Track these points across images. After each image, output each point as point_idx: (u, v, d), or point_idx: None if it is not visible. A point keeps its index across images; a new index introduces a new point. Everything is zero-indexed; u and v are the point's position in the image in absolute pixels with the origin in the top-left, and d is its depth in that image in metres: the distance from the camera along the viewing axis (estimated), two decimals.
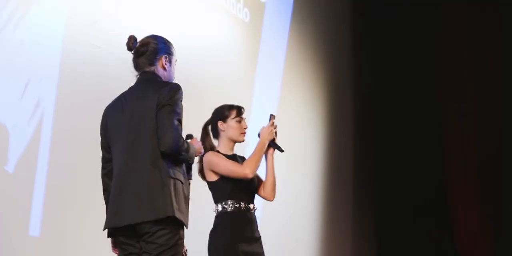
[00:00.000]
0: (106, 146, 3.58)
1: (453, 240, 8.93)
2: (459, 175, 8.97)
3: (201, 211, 4.44)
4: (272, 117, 4.24)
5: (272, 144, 4.22)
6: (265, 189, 4.24)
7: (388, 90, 9.47)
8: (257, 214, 4.27)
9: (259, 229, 4.21)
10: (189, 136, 3.82)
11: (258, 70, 7.10)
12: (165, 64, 3.61)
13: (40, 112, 4.46)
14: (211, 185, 4.14)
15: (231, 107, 4.24)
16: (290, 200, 7.46)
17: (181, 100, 3.48)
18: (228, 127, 4.19)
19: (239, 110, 4.24)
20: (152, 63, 3.60)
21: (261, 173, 4.24)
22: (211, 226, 4.13)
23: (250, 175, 4.05)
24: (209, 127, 4.27)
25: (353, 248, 8.96)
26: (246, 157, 4.20)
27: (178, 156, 3.39)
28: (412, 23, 9.34)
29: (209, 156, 4.11)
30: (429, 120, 9.20)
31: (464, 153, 9.00)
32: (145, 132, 3.42)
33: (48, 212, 4.45)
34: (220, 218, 4.08)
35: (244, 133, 4.22)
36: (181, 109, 3.47)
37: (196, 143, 3.66)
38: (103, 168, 3.60)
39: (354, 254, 8.96)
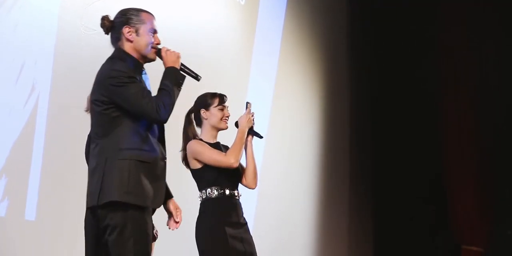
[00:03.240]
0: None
1: (451, 225, 8.95)
2: (456, 162, 8.99)
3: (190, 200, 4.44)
4: (248, 105, 4.27)
5: (251, 132, 4.24)
6: (246, 177, 4.25)
7: (385, 86, 9.46)
8: (252, 209, 4.28)
9: (254, 220, 4.22)
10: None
11: (255, 52, 7.08)
12: (129, 36, 3.47)
13: (36, 96, 4.44)
14: (195, 173, 4.15)
15: (213, 95, 4.26)
16: (286, 195, 7.48)
17: (119, 76, 3.34)
18: (211, 115, 4.20)
19: (221, 98, 4.24)
20: (118, 38, 3.50)
21: (242, 161, 4.24)
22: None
23: (235, 164, 4.08)
24: (192, 115, 4.28)
25: (350, 241, 8.98)
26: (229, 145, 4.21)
27: (165, 113, 3.35)
28: (411, 19, 9.31)
29: (193, 145, 4.12)
30: (427, 114, 9.20)
31: (461, 144, 9.02)
32: (95, 119, 3.42)
33: (44, 196, 4.44)
34: (205, 204, 4.10)
35: (226, 120, 4.23)
36: (127, 80, 3.35)
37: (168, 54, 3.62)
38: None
39: (351, 247, 8.98)
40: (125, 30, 3.48)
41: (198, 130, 4.27)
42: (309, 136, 8.18)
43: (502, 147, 8.83)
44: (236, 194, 4.18)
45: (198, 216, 4.13)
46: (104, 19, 3.51)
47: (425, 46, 9.21)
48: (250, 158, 4.25)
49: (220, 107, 4.22)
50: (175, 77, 3.50)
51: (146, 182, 3.31)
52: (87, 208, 3.38)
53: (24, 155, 4.37)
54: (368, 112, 9.62)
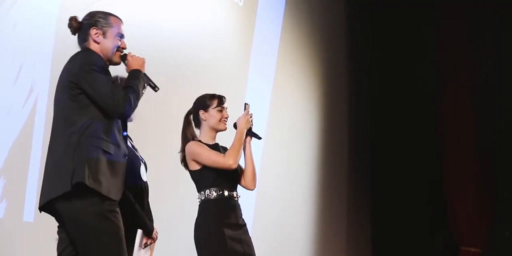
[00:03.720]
0: None
1: (449, 225, 8.95)
2: (455, 163, 8.98)
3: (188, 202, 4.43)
4: (246, 106, 4.25)
5: (249, 133, 4.23)
6: (245, 179, 4.25)
7: (384, 87, 9.46)
8: (250, 210, 4.27)
9: (253, 221, 4.21)
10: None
11: (253, 53, 7.08)
12: (96, 37, 3.52)
13: (34, 97, 4.43)
14: (193, 174, 4.14)
15: (212, 97, 4.25)
16: (284, 196, 7.47)
17: (91, 64, 3.38)
18: (210, 116, 4.20)
19: (220, 100, 4.24)
20: (85, 38, 3.54)
21: (241, 162, 4.24)
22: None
23: (234, 166, 4.07)
24: (191, 117, 4.27)
25: (348, 243, 8.97)
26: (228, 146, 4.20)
27: (127, 109, 3.36)
28: (410, 20, 9.31)
29: (192, 146, 4.11)
30: (426, 115, 9.20)
31: (460, 142, 9.01)
32: (59, 109, 3.42)
33: None
34: (204, 206, 4.09)
35: (225, 122, 4.22)
36: (100, 76, 3.38)
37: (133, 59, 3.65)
38: None
39: (350, 248, 8.97)
40: (93, 31, 3.53)
41: (197, 131, 4.26)
42: (307, 138, 8.17)
43: (501, 148, 8.83)
44: (235, 195, 4.17)
45: (197, 217, 4.12)
46: (72, 19, 3.55)
47: (424, 47, 9.21)
48: (249, 159, 4.25)
49: (218, 108, 4.21)
50: (140, 78, 3.53)
51: (107, 173, 3.32)
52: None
53: (22, 156, 4.36)
54: (367, 114, 9.62)
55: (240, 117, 4.22)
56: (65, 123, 3.36)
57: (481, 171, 8.87)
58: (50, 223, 4.51)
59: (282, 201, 7.44)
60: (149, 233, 3.85)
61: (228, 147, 4.21)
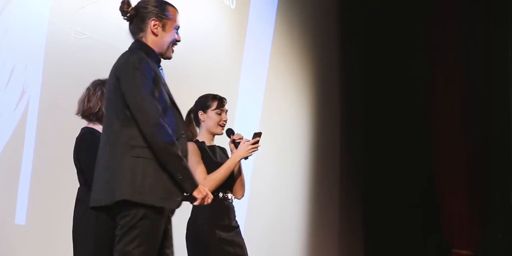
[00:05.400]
0: None
1: (441, 228, 8.96)
2: (447, 164, 8.99)
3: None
4: (256, 135, 4.16)
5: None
6: (234, 188, 4.21)
7: (376, 88, 9.46)
8: (243, 212, 4.28)
9: (245, 223, 4.21)
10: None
11: (245, 55, 7.08)
12: (155, 29, 3.35)
13: (26, 100, 4.43)
14: None
15: (213, 98, 4.22)
16: (276, 198, 7.48)
17: (140, 70, 3.21)
18: (208, 118, 4.17)
19: (220, 102, 4.20)
20: (142, 29, 3.36)
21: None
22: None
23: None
24: (192, 115, 4.25)
25: (341, 245, 8.97)
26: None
27: (159, 149, 3.15)
28: (402, 17, 9.32)
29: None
30: (418, 117, 9.20)
31: (452, 143, 9.02)
32: (110, 109, 3.27)
33: (34, 200, 4.43)
34: (197, 207, 4.07)
35: (223, 125, 4.20)
36: (146, 80, 3.20)
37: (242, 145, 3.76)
38: None
39: (342, 250, 8.98)
40: (152, 23, 3.35)
41: (198, 129, 4.25)
42: (300, 140, 8.18)
43: (493, 151, 8.85)
44: (229, 197, 4.16)
45: (190, 217, 4.12)
46: (125, 3, 3.37)
47: (416, 47, 9.22)
48: (238, 171, 4.20)
49: (217, 111, 4.18)
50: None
51: (159, 182, 3.18)
52: (96, 207, 3.29)
53: (14, 159, 4.36)
54: (359, 116, 9.63)
55: (245, 143, 4.13)
56: (112, 125, 3.25)
57: (472, 173, 8.88)
58: (41, 226, 4.52)
59: (275, 203, 7.45)
60: None
61: (226, 150, 4.20)
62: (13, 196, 4.34)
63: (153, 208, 3.16)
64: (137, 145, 3.17)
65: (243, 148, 4.12)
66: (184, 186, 3.21)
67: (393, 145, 9.20)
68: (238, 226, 4.20)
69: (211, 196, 3.29)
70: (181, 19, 3.46)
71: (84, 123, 3.96)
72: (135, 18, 3.37)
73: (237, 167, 4.18)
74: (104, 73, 3.88)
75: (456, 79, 9.10)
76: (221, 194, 4.12)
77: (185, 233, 4.11)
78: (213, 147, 4.21)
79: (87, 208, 3.74)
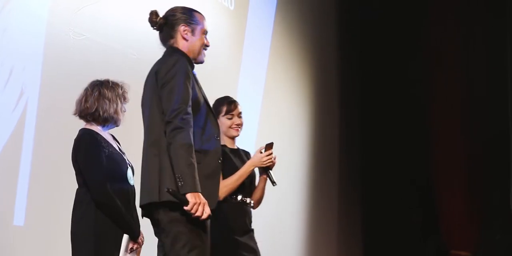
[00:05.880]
0: None
1: (439, 229, 8.96)
2: (446, 165, 8.99)
3: None
4: (267, 147, 4.22)
5: (267, 172, 4.24)
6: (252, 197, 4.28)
7: (374, 90, 9.46)
8: None
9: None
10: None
11: (244, 58, 7.09)
12: (185, 34, 3.48)
13: (24, 101, 4.43)
14: None
15: (222, 104, 4.27)
16: (275, 198, 7.46)
17: (182, 74, 3.32)
18: (221, 123, 4.20)
19: (228, 107, 4.25)
20: (172, 35, 3.50)
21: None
22: None
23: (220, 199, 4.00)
24: None
25: (339, 246, 8.97)
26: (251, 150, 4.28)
27: (171, 143, 3.21)
28: (400, 18, 9.32)
29: None
30: (416, 119, 9.20)
31: (451, 145, 9.01)
32: (150, 110, 3.36)
33: (32, 201, 4.43)
34: (216, 208, 4.10)
35: (236, 128, 4.24)
36: (183, 81, 3.31)
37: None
38: None
39: (341, 251, 8.97)
40: (181, 28, 3.48)
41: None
42: (298, 140, 8.18)
43: (492, 152, 8.85)
44: (248, 201, 4.18)
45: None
46: (153, 14, 3.50)
47: (415, 49, 9.21)
48: (260, 190, 4.29)
49: (228, 116, 4.22)
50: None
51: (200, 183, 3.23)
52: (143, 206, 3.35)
53: (12, 161, 4.36)
54: (357, 117, 9.63)
55: (260, 154, 4.20)
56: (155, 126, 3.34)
57: (471, 174, 8.88)
58: (40, 227, 4.52)
59: (274, 204, 7.44)
60: (135, 237, 3.84)
61: (250, 154, 4.26)
62: (12, 197, 4.34)
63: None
64: None
65: (257, 157, 4.20)
66: (183, 185, 3.21)
67: (392, 146, 9.20)
68: (251, 230, 4.24)
69: (207, 211, 3.24)
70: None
71: (82, 124, 3.96)
72: (165, 27, 3.50)
73: (259, 189, 4.27)
74: (103, 74, 3.89)
75: (455, 80, 9.10)
76: (239, 197, 4.14)
77: None
78: (236, 151, 4.27)
79: (86, 209, 3.75)
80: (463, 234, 8.75)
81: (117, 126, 3.93)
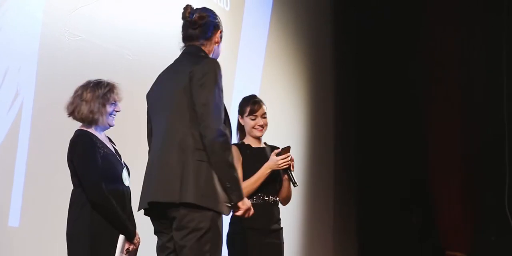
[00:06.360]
0: (148, 120, 3.58)
1: (435, 228, 8.96)
2: (442, 166, 8.99)
3: None
4: (283, 151, 4.28)
5: (287, 173, 4.29)
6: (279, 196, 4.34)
7: (370, 90, 9.47)
8: None
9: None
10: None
11: (239, 58, 7.09)
12: (219, 39, 3.58)
13: (20, 102, 4.42)
14: None
15: (247, 104, 4.37)
16: None
17: (219, 77, 3.39)
18: (245, 122, 4.33)
19: (252, 108, 4.33)
20: (208, 37, 3.54)
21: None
22: None
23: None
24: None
25: (335, 243, 8.97)
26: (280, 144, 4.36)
27: (214, 151, 3.26)
28: (398, 18, 9.32)
29: None
30: (412, 120, 9.20)
31: (447, 146, 9.02)
32: (176, 109, 3.35)
33: (28, 202, 4.42)
34: None
35: (259, 129, 4.32)
36: (220, 88, 3.38)
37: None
38: (148, 142, 3.58)
39: (336, 248, 8.98)
40: (219, 34, 3.60)
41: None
42: (293, 141, 8.15)
43: (487, 153, 8.85)
44: (268, 200, 4.23)
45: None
46: (189, 8, 3.55)
47: (412, 48, 9.21)
48: (285, 188, 4.35)
49: (251, 117, 4.28)
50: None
51: (218, 187, 3.28)
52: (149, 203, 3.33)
53: (8, 161, 4.35)
54: (353, 118, 9.63)
55: (274, 158, 4.24)
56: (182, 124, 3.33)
57: (467, 175, 8.89)
58: (35, 228, 4.51)
59: None
60: (131, 238, 3.84)
61: (278, 147, 4.34)
62: (7, 198, 4.33)
63: (215, 213, 3.27)
64: (200, 148, 3.27)
65: (272, 161, 4.23)
66: (231, 195, 3.29)
67: (388, 147, 9.21)
68: (277, 229, 4.28)
69: (252, 211, 3.41)
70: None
71: (77, 124, 3.96)
72: (203, 26, 3.53)
73: (285, 188, 4.32)
74: (98, 75, 3.89)
75: (453, 81, 9.10)
76: (259, 196, 4.18)
77: None
78: (261, 150, 4.31)
79: (81, 209, 3.75)
80: (458, 235, 8.76)
81: (105, 126, 3.91)
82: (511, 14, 8.98)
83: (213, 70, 3.38)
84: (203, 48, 3.54)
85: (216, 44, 3.58)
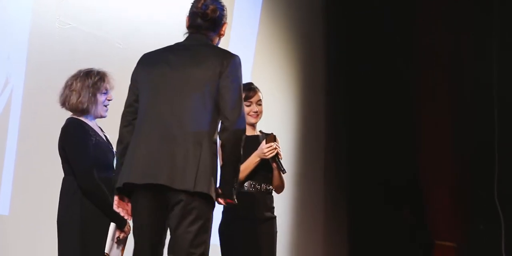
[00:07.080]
0: (135, 92, 3.41)
1: (426, 224, 8.99)
2: (432, 157, 9.01)
3: None
4: (267, 139, 4.29)
5: (275, 161, 4.28)
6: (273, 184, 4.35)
7: (361, 83, 9.45)
8: None
9: None
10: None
11: (230, 49, 7.06)
12: (224, 32, 3.53)
13: (9, 90, 4.42)
14: None
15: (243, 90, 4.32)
16: None
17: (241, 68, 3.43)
18: None
19: (247, 94, 4.30)
20: (215, 30, 3.48)
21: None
22: None
23: None
24: None
25: (325, 235, 8.99)
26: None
27: (237, 142, 3.30)
28: (390, 17, 9.31)
29: None
30: (403, 115, 9.18)
31: (438, 138, 9.04)
32: (199, 97, 3.28)
33: (18, 190, 4.42)
34: None
35: (254, 115, 4.34)
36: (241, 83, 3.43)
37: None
38: (128, 124, 3.38)
39: (326, 240, 9.00)
40: (225, 26, 3.53)
41: None
42: (284, 139, 8.06)
43: (477, 145, 8.88)
44: (259, 188, 4.24)
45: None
46: (211, 5, 3.47)
47: (404, 46, 9.21)
48: (275, 177, 4.32)
49: (246, 103, 4.25)
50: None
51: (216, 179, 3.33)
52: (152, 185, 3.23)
53: None
54: (344, 116, 9.62)
55: (264, 145, 4.25)
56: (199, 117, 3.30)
57: (456, 166, 8.90)
58: (26, 216, 4.51)
59: None
60: (122, 226, 3.84)
61: (269, 133, 4.35)
62: None
63: (213, 203, 3.29)
64: (215, 141, 3.29)
65: (259, 149, 4.23)
66: (226, 188, 3.32)
67: (379, 143, 9.18)
68: (270, 218, 4.29)
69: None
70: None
71: (67, 113, 3.95)
72: (213, 20, 3.46)
73: (276, 176, 4.30)
74: (88, 63, 3.88)
75: (445, 80, 9.11)
76: (251, 184, 4.18)
77: None
78: (255, 137, 4.32)
79: (72, 197, 3.75)
80: (448, 225, 8.80)
81: (96, 116, 3.90)
82: (501, 13, 8.99)
83: (240, 66, 3.44)
84: (211, 38, 3.49)
85: (221, 36, 3.53)
